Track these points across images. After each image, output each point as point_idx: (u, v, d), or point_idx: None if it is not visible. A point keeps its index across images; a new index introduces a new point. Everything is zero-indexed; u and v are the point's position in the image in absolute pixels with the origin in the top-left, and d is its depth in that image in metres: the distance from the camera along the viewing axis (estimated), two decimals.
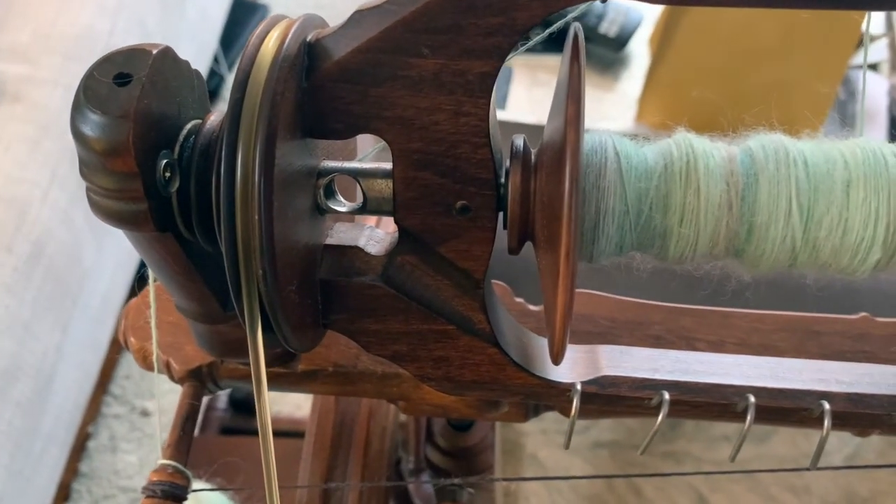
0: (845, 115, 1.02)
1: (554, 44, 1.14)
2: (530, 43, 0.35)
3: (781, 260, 0.32)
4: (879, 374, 0.37)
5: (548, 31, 0.35)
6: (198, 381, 0.47)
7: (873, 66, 1.09)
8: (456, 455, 0.55)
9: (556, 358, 0.33)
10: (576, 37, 0.31)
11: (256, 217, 0.29)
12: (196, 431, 1.37)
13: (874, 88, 1.04)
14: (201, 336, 0.42)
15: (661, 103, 0.98)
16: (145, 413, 1.42)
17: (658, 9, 1.07)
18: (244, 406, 1.25)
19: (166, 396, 1.28)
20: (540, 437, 1.24)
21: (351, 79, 0.31)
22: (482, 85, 0.31)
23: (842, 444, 1.16)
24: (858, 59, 1.08)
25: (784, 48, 0.92)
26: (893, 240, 0.31)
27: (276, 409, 1.35)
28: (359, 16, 0.31)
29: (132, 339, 0.48)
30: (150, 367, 0.46)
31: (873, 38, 1.09)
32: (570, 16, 0.33)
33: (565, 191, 0.28)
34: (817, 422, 0.35)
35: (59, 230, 1.02)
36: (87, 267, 1.12)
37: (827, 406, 0.34)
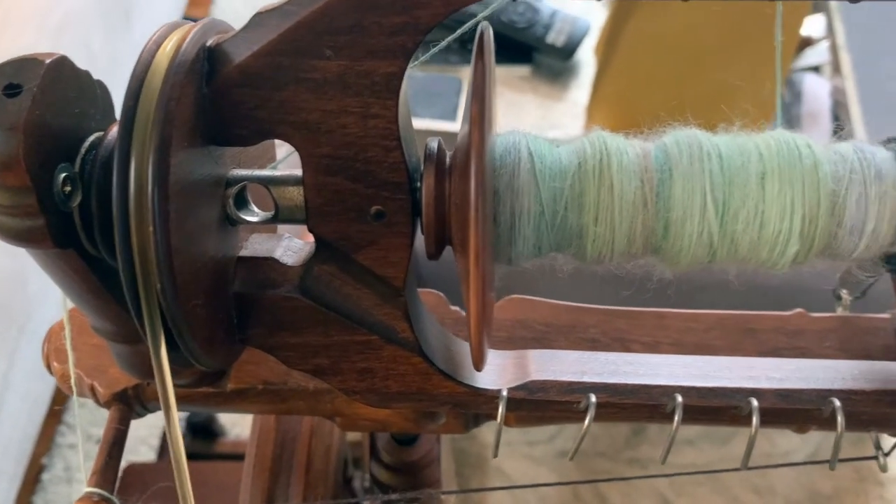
0: (790, 117, 1.03)
1: (503, 55, 1.14)
2: (440, 45, 0.34)
3: (700, 255, 0.32)
4: (809, 368, 0.37)
5: (458, 32, 0.34)
6: (124, 404, 0.45)
7: (816, 69, 1.10)
8: (400, 470, 0.53)
9: (477, 364, 0.32)
10: (482, 36, 0.30)
11: (151, 229, 0.28)
12: (154, 457, 1.34)
13: (817, 90, 1.06)
14: (121, 357, 0.40)
15: (608, 110, 0.99)
16: None
17: (604, 17, 1.08)
18: (204, 430, 1.23)
19: None
20: (505, 448, 1.23)
21: (253, 83, 0.30)
22: (389, 86, 0.30)
23: (803, 444, 1.17)
24: (801, 62, 1.10)
25: (726, 52, 0.93)
26: (810, 231, 0.31)
27: (238, 432, 1.33)
28: (259, 18, 0.30)
29: (55, 364, 0.46)
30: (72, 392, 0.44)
31: (814, 42, 1.11)
32: (480, 16, 0.33)
33: (471, 192, 0.27)
34: (748, 419, 0.35)
35: (1, 257, 0.99)
36: (32, 294, 1.09)
37: (755, 403, 0.34)
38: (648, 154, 0.32)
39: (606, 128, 0.33)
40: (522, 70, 1.13)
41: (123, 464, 1.12)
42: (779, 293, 0.55)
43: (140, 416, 0.47)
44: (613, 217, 0.31)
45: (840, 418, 0.34)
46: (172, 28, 0.31)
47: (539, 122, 1.07)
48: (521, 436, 1.22)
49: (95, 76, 0.34)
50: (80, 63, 0.32)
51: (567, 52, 1.10)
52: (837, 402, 0.34)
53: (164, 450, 1.23)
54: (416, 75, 1.10)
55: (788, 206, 0.31)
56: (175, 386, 0.43)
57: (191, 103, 0.30)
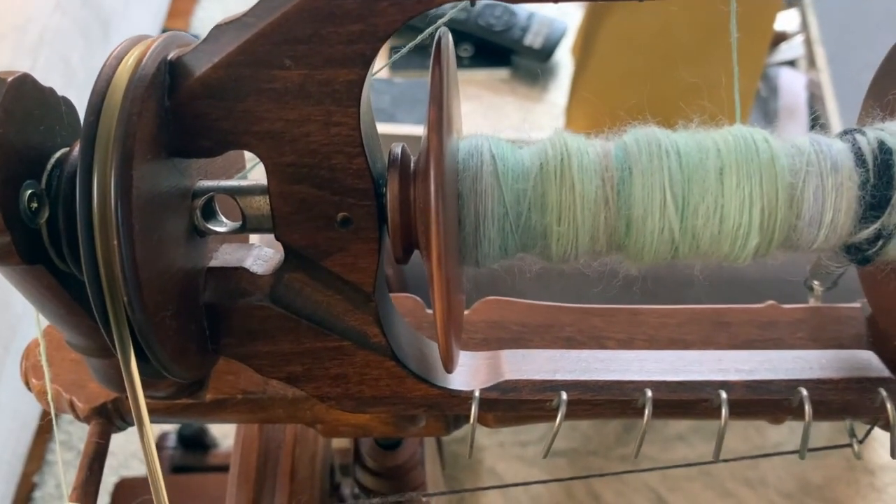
0: (767, 111, 1.04)
1: (482, 58, 1.15)
2: (401, 52, 0.34)
3: (663, 251, 0.32)
4: (778, 359, 0.37)
5: (419, 38, 0.34)
6: (104, 418, 0.45)
7: (791, 63, 1.11)
8: (385, 475, 0.53)
9: (448, 365, 0.32)
10: (439, 42, 0.31)
11: (116, 242, 0.28)
12: (146, 472, 1.33)
13: (793, 84, 1.07)
14: (98, 372, 0.40)
15: (586, 110, 0.99)
16: None
17: (580, 17, 1.09)
18: (194, 443, 1.22)
19: (115, 438, 1.24)
20: (497, 450, 1.23)
21: (214, 95, 0.31)
22: (349, 93, 0.30)
23: (792, 435, 1.17)
24: (776, 57, 1.11)
25: (702, 49, 0.94)
26: (769, 224, 0.31)
27: (229, 443, 1.32)
28: (217, 31, 0.31)
29: (33, 380, 0.46)
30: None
31: (789, 36, 1.12)
32: (440, 21, 0.33)
33: (431, 195, 0.28)
34: (719, 412, 0.35)
35: None
36: (18, 313, 1.09)
37: (724, 395, 0.34)
38: (609, 153, 0.32)
39: (585, 127, 0.33)
40: (501, 73, 1.13)
41: (115, 479, 1.12)
42: (753, 286, 0.55)
43: (121, 429, 0.47)
44: (576, 216, 0.31)
45: (808, 407, 0.34)
46: (134, 43, 0.31)
47: (520, 124, 1.08)
48: (514, 437, 1.22)
49: (74, 90, 0.35)
50: (59, 78, 0.32)
51: (545, 53, 1.11)
52: (805, 392, 0.34)
53: None
54: (396, 81, 1.10)
55: (747, 200, 0.31)
56: (153, 398, 0.43)
57: (153, 117, 0.30)
